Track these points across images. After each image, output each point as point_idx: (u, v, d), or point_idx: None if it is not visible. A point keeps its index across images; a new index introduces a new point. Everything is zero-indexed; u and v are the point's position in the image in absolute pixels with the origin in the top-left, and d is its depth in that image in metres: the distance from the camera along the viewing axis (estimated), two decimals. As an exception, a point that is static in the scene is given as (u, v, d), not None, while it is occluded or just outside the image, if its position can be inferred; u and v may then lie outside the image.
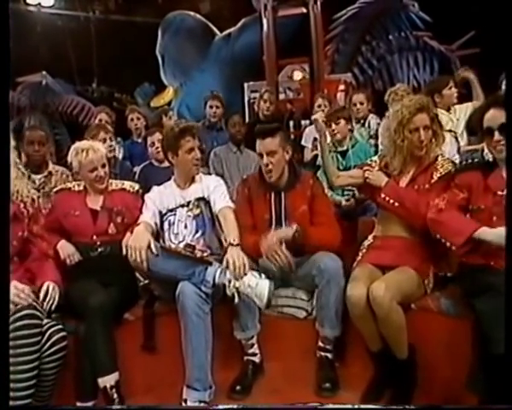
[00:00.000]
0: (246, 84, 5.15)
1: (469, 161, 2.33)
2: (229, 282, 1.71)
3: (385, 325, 1.64)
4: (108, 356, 1.63)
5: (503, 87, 2.84)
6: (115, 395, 1.59)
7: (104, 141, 2.66)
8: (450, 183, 1.77)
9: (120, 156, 3.17)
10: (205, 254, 1.78)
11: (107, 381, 1.61)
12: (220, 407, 1.71)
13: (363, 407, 1.64)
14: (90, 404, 1.65)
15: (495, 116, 1.63)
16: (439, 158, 1.89)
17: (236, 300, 1.71)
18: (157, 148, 2.74)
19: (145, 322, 1.91)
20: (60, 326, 1.57)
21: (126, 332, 1.86)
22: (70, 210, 1.99)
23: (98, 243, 1.97)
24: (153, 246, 1.71)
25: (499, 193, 1.60)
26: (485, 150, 2.10)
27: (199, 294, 1.68)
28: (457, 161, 2.18)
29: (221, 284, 1.72)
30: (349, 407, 1.61)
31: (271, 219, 2.02)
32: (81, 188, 2.07)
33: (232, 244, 1.79)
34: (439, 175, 1.83)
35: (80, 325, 1.71)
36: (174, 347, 1.77)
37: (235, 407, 1.66)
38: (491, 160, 1.74)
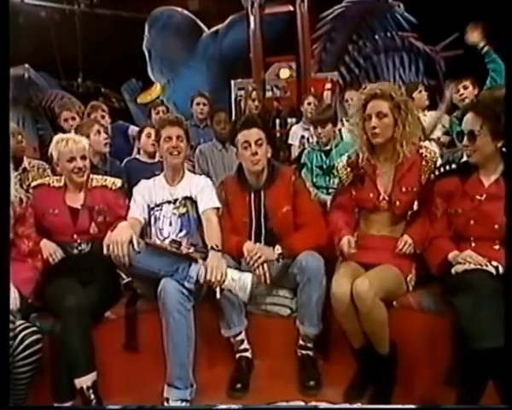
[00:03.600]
0: (233, 82, 5.12)
1: (450, 159, 2.37)
2: None
3: (367, 321, 1.64)
4: (85, 356, 1.60)
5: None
6: (92, 396, 1.56)
7: (99, 133, 2.61)
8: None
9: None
10: (190, 251, 1.76)
11: (83, 382, 1.58)
12: (220, 406, 1.68)
13: (363, 407, 1.65)
14: (67, 405, 1.62)
15: (467, 120, 1.65)
16: (425, 153, 1.85)
17: (218, 295, 1.70)
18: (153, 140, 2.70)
19: (127, 320, 1.88)
20: (34, 328, 1.53)
21: (107, 331, 1.83)
22: (48, 209, 1.93)
23: (79, 241, 1.93)
24: (135, 241, 1.69)
25: (477, 197, 1.64)
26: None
27: (181, 291, 1.67)
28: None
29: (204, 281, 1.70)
30: (349, 406, 1.64)
31: (251, 222, 2.00)
32: (61, 184, 2.01)
33: (213, 249, 1.79)
34: (427, 177, 1.84)
35: (57, 324, 1.67)
36: (156, 346, 1.75)
37: (235, 407, 1.64)
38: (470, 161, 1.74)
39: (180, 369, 1.64)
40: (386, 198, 1.87)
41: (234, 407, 1.65)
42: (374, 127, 1.79)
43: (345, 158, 2.02)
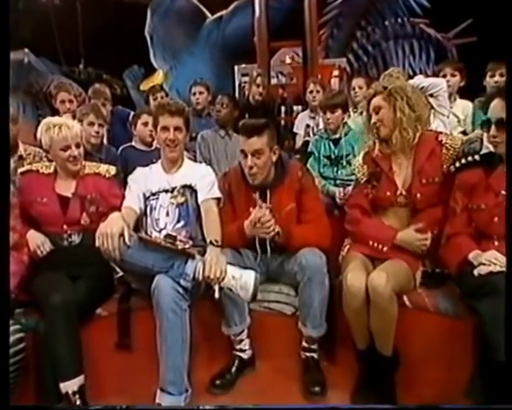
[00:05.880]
0: (236, 67, 4.96)
1: (466, 151, 2.21)
2: None
3: (380, 318, 1.53)
4: (71, 359, 1.47)
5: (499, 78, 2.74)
6: (78, 402, 1.44)
7: (91, 125, 2.46)
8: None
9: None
10: (186, 246, 1.60)
11: (69, 386, 1.46)
12: (218, 407, 1.63)
13: (362, 407, 1.61)
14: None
15: (495, 107, 1.52)
16: (444, 140, 1.75)
17: (217, 294, 1.57)
18: (151, 130, 2.56)
19: (120, 318, 1.76)
20: (17, 326, 1.42)
21: (99, 329, 1.72)
22: (36, 197, 1.80)
23: (69, 232, 1.81)
24: (126, 234, 1.54)
25: (502, 192, 1.50)
26: (485, 141, 1.98)
27: (176, 289, 1.54)
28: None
29: (202, 278, 1.57)
30: (349, 406, 1.60)
31: None
32: (51, 170, 1.88)
33: (213, 244, 1.64)
34: (446, 166, 1.73)
35: (41, 322, 1.54)
36: (151, 345, 1.62)
37: (229, 407, 1.61)
38: (493, 151, 1.61)
39: (174, 373, 1.51)
40: (404, 193, 1.78)
41: (230, 406, 1.62)
42: (374, 123, 1.78)
43: (361, 155, 1.94)
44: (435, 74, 2.81)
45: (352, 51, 5.99)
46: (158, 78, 7.67)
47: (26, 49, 6.79)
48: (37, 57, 6.89)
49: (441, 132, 1.88)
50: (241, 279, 1.56)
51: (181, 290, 1.54)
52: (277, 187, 1.86)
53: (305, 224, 1.83)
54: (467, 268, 1.50)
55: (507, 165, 1.42)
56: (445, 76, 2.77)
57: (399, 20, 5.75)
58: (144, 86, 7.52)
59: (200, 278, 1.55)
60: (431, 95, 2.25)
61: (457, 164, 1.68)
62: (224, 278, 1.55)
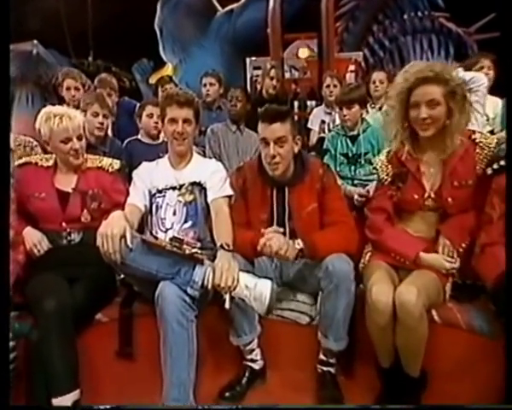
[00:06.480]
0: (248, 60, 4.83)
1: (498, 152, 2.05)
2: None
3: (409, 337, 1.39)
4: (65, 372, 1.34)
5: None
6: (71, 420, 1.31)
7: (96, 115, 2.33)
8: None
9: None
10: (194, 250, 1.44)
11: (62, 402, 1.32)
12: (218, 407, 1.56)
13: (362, 407, 1.55)
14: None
15: None
16: (479, 139, 1.58)
17: (227, 305, 1.42)
18: (156, 121, 2.46)
19: (121, 324, 1.64)
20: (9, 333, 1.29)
21: (98, 336, 1.60)
22: (34, 192, 1.68)
23: (68, 229, 1.68)
24: (128, 235, 1.40)
25: None
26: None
27: (182, 298, 1.39)
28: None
29: (211, 286, 1.43)
30: (349, 406, 1.54)
31: (272, 220, 1.71)
32: (50, 163, 1.76)
33: (223, 248, 1.49)
34: (483, 167, 1.54)
35: (34, 329, 1.41)
36: (155, 354, 1.48)
37: (232, 407, 1.55)
38: None
39: (178, 390, 1.37)
40: (433, 196, 1.61)
41: (232, 407, 1.57)
42: (424, 118, 1.51)
43: (384, 154, 1.76)
44: (467, 68, 2.60)
45: (368, 46, 5.82)
46: (167, 71, 7.67)
47: (35, 41, 6.80)
48: (46, 49, 6.89)
49: (475, 131, 1.70)
50: (256, 289, 1.41)
51: (188, 299, 1.40)
52: (297, 185, 1.70)
53: (328, 227, 1.68)
54: (504, 283, 1.34)
55: (507, 164, 1.34)
56: (481, 69, 2.58)
57: (419, 13, 5.53)
58: (153, 80, 7.46)
59: (210, 286, 1.41)
60: (469, 89, 2.07)
61: (495, 166, 1.52)
62: (235, 287, 1.40)
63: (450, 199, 1.58)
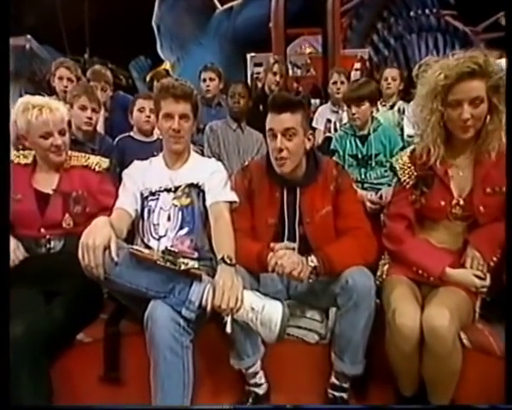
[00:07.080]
0: (249, 56, 4.66)
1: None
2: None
3: (441, 366, 1.22)
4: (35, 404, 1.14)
5: None
6: None
7: (84, 109, 2.14)
8: None
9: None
10: (190, 265, 1.23)
11: None
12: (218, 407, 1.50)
13: (362, 407, 1.51)
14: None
15: None
16: None
17: (229, 329, 1.22)
18: (148, 115, 2.29)
19: (107, 344, 1.45)
20: None
21: (80, 359, 1.41)
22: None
23: (47, 236, 1.49)
24: (113, 247, 1.20)
25: None
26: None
27: (177, 321, 1.19)
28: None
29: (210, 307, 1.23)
30: (349, 407, 1.48)
31: (283, 228, 1.53)
32: (28, 161, 1.58)
33: (225, 262, 1.29)
34: None
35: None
36: (144, 378, 1.28)
37: (229, 407, 1.49)
38: None
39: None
40: (462, 203, 1.43)
41: (228, 407, 1.51)
42: (467, 119, 1.32)
43: (406, 153, 1.57)
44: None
45: (372, 44, 5.71)
46: (165, 68, 7.60)
47: (29, 36, 6.72)
48: (41, 45, 6.80)
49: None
50: (264, 313, 1.21)
51: (182, 323, 1.19)
52: (309, 185, 1.52)
53: (343, 236, 1.49)
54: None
55: (507, 164, 1.26)
56: None
57: (426, 11, 5.38)
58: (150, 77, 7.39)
59: (209, 307, 1.21)
60: None
61: None
62: (239, 309, 1.21)
63: (481, 207, 1.39)
